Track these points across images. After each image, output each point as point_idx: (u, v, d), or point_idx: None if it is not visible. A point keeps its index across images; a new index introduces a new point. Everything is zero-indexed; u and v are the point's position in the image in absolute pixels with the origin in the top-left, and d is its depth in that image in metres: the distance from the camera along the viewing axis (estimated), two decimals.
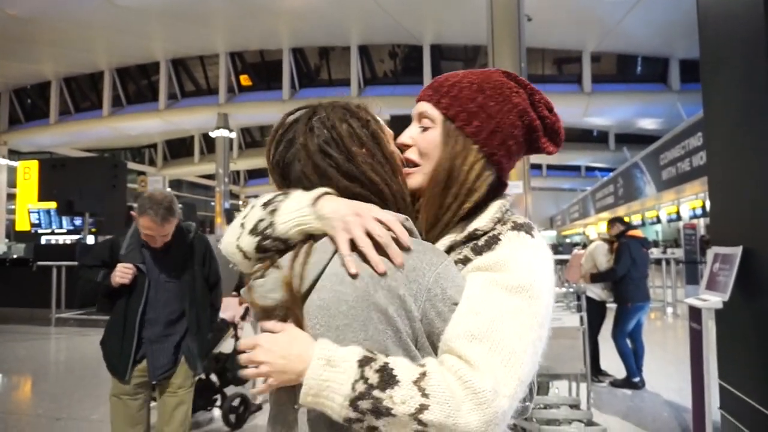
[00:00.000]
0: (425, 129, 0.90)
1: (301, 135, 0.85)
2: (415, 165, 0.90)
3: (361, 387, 0.68)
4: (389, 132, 0.91)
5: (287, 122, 0.88)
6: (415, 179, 0.90)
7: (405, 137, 0.92)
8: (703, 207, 14.87)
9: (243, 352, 0.78)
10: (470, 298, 0.76)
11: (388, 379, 0.68)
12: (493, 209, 0.87)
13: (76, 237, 11.06)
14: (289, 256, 0.80)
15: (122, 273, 2.34)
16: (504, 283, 0.77)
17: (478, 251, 0.83)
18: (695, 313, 3.18)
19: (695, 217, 15.51)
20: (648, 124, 19.63)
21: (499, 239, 0.82)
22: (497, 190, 0.91)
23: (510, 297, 0.76)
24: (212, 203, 20.89)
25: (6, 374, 5.94)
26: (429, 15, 15.08)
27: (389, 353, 0.72)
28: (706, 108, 3.56)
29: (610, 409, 4.31)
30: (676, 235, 19.57)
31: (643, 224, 20.46)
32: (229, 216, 15.78)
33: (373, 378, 0.69)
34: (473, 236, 0.85)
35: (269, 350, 0.75)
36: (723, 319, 3.23)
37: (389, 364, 0.69)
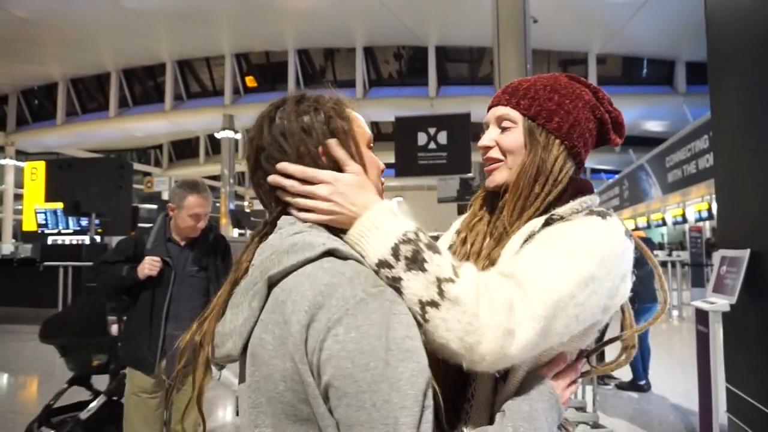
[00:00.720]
0: (505, 130, 0.96)
1: (255, 127, 0.83)
2: (499, 162, 0.96)
3: (411, 236, 0.75)
4: (362, 133, 0.85)
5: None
6: (501, 174, 0.96)
7: (486, 140, 0.98)
8: (709, 210, 14.79)
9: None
10: (511, 261, 0.81)
11: (433, 245, 0.76)
12: (576, 202, 0.91)
13: (82, 237, 11.11)
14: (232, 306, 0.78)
15: (151, 265, 2.40)
16: (548, 244, 0.81)
17: None
18: (702, 316, 3.17)
19: (701, 219, 15.43)
20: (654, 126, 19.54)
21: (572, 221, 0.86)
22: (574, 183, 0.95)
23: (550, 254, 0.79)
24: (217, 204, 20.95)
25: (13, 374, 5.97)
26: (434, 16, 15.08)
27: (310, 403, 0.66)
28: (713, 110, 3.55)
29: (616, 412, 4.30)
30: (681, 238, 19.46)
31: (649, 227, 20.37)
32: (234, 217, 15.78)
33: (423, 239, 0.76)
34: (549, 221, 0.88)
35: (341, 193, 0.78)
36: (730, 322, 3.21)
37: (436, 244, 0.77)
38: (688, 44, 14.93)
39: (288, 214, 0.82)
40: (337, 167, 0.81)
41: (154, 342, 2.44)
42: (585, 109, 0.95)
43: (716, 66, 3.47)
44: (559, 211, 0.89)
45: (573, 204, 0.90)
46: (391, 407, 0.62)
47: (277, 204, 0.83)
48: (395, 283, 0.72)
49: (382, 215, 0.77)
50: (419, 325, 0.70)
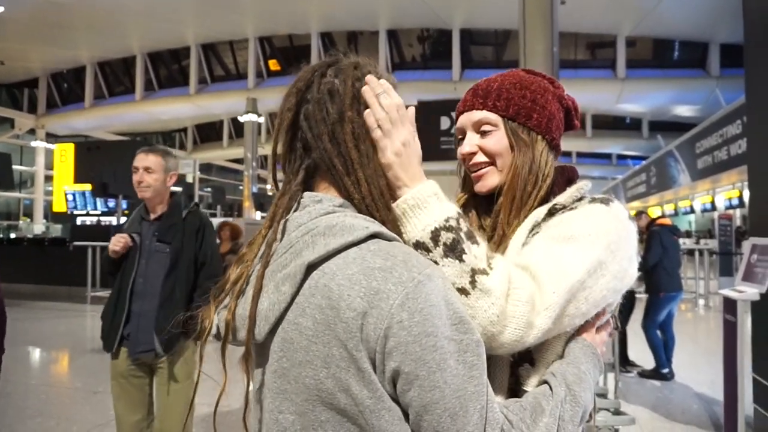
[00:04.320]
0: (485, 134, 0.95)
1: (305, 78, 0.78)
2: (487, 165, 0.96)
3: (453, 223, 0.76)
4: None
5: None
6: (492, 178, 0.96)
7: (468, 147, 0.96)
8: (740, 197, 14.43)
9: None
10: (522, 253, 0.83)
11: (471, 235, 0.77)
12: (573, 188, 0.93)
13: (110, 218, 11.38)
14: (252, 288, 0.72)
15: (115, 241, 2.38)
16: (556, 235, 0.83)
17: None
18: (730, 305, 3.11)
19: (731, 207, 15.07)
20: (684, 111, 19.01)
21: (575, 209, 0.88)
22: (562, 171, 0.97)
23: (559, 245, 0.81)
24: (241, 187, 21.20)
25: (46, 349, 6.19)
26: None
27: (351, 392, 0.64)
28: (748, 94, 3.44)
29: (638, 400, 4.26)
30: (709, 226, 19.05)
31: (676, 214, 19.99)
32: (257, 200, 15.97)
33: (464, 227, 0.77)
34: (553, 211, 0.90)
35: (413, 148, 0.80)
36: (759, 312, 3.15)
37: (475, 232, 0.79)
38: (723, 26, 14.43)
39: (309, 190, 0.79)
40: (374, 149, 0.78)
41: (117, 321, 2.36)
42: (554, 100, 0.97)
43: (753, 48, 3.35)
44: (561, 200, 0.90)
45: (571, 191, 0.92)
46: (459, 380, 0.63)
47: (304, 178, 0.79)
48: None
49: (428, 196, 0.77)
50: None
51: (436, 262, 0.73)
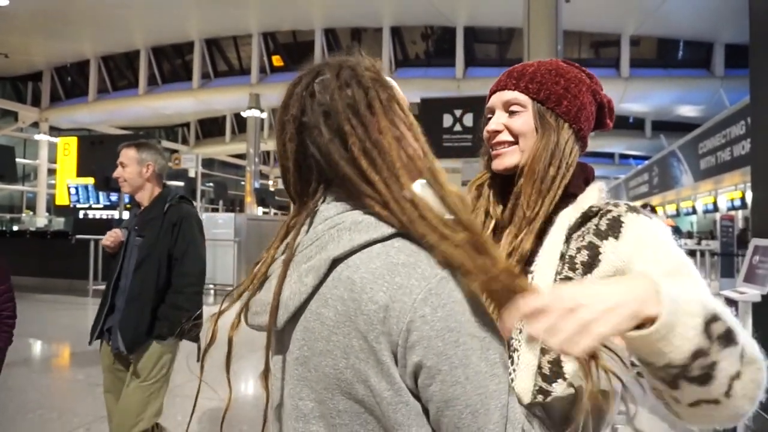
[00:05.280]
0: (513, 114, 0.95)
1: (296, 103, 0.74)
2: (510, 145, 0.95)
3: (711, 308, 0.63)
4: (402, 98, 0.77)
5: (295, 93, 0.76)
6: (513, 157, 0.95)
7: (495, 124, 0.96)
8: (742, 198, 14.39)
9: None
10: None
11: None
12: (595, 189, 0.94)
13: (112, 212, 11.40)
14: (277, 276, 0.72)
15: (107, 236, 2.41)
16: (667, 271, 0.78)
17: (603, 236, 0.86)
18: (731, 306, 3.11)
19: (733, 208, 15.03)
20: (687, 111, 18.95)
21: (622, 221, 0.86)
22: (579, 166, 0.97)
23: (682, 281, 0.76)
24: (242, 183, 21.19)
25: (47, 341, 6.21)
26: None
27: (370, 383, 0.65)
28: (753, 94, 3.43)
29: (636, 400, 4.27)
30: (711, 227, 19.02)
31: (678, 215, 19.96)
32: (259, 195, 15.97)
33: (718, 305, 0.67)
34: (588, 215, 0.88)
35: (600, 303, 0.59)
36: (761, 313, 3.15)
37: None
38: (728, 26, 14.37)
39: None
40: (380, 147, 0.70)
41: (100, 314, 2.40)
42: (587, 93, 0.96)
43: (758, 48, 3.34)
44: (592, 202, 0.90)
45: (595, 193, 0.92)
46: (481, 377, 0.63)
47: (325, 186, 0.76)
48: (706, 370, 0.63)
49: (675, 296, 0.61)
50: (714, 404, 0.66)
51: (715, 363, 0.62)
